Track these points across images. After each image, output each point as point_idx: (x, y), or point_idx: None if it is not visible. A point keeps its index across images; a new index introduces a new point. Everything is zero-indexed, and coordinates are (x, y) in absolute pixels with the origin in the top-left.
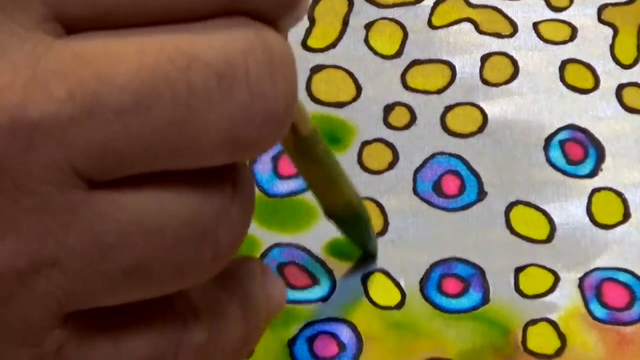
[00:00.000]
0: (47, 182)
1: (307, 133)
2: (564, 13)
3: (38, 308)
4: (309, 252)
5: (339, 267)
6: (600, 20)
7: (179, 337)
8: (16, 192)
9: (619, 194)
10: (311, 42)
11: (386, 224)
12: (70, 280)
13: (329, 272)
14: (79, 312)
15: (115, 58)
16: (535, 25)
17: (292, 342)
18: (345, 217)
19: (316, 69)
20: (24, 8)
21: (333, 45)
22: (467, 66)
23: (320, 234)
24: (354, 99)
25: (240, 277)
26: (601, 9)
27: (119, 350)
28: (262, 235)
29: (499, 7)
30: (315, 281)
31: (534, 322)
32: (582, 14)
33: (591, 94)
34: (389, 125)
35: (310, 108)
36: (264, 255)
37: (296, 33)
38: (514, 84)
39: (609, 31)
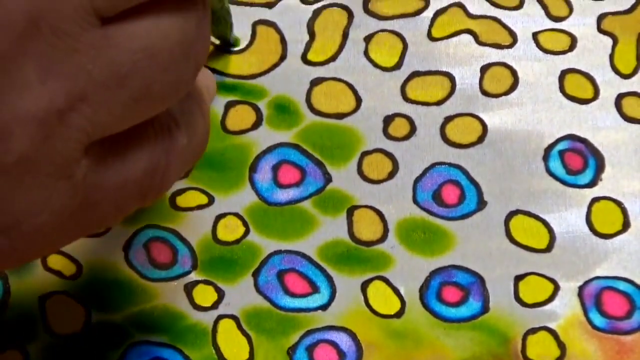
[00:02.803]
0: (76, 22)
1: None
2: (563, 23)
3: (73, 142)
4: (309, 259)
5: (339, 274)
6: (600, 30)
7: (168, 144)
8: (53, 36)
9: (618, 204)
10: (311, 56)
11: (386, 231)
12: (96, 112)
13: (329, 280)
14: (94, 141)
15: None
16: (535, 35)
17: (292, 351)
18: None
19: (316, 82)
20: None
21: (333, 58)
22: (466, 77)
23: (320, 241)
24: (354, 110)
25: None
26: (600, 19)
27: (126, 167)
28: (261, 242)
29: (499, 17)
30: (315, 289)
31: (533, 330)
32: (581, 24)
33: (591, 104)
34: (389, 136)
35: (311, 118)
36: (264, 262)
37: (296, 47)
38: (514, 94)
39: (608, 41)
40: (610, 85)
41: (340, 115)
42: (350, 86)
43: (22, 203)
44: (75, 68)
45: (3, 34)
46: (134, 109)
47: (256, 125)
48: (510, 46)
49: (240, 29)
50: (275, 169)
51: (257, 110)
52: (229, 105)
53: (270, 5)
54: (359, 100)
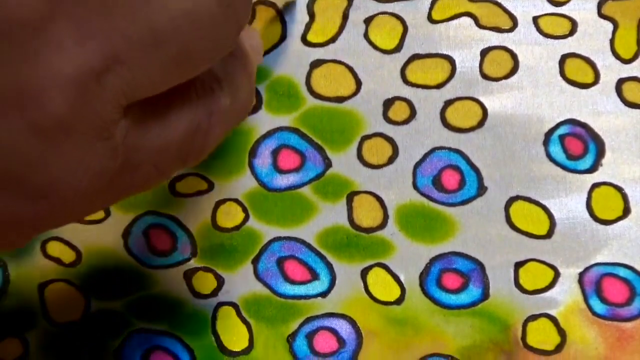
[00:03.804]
0: None
1: None
2: (564, 7)
3: (110, 103)
4: (309, 246)
5: (339, 261)
6: (600, 15)
7: (210, 105)
8: None
9: (619, 189)
10: (311, 37)
11: (386, 218)
12: (132, 72)
13: (329, 267)
14: (133, 103)
15: None
16: (535, 19)
17: (292, 338)
18: None
19: (316, 64)
20: None
21: (333, 40)
22: (467, 60)
23: (319, 228)
24: (354, 94)
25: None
26: (601, 3)
27: (167, 128)
28: (261, 228)
29: (499, 1)
30: (315, 276)
31: (533, 317)
32: (582, 8)
33: (591, 88)
34: (389, 120)
35: (311, 102)
36: (264, 248)
37: (296, 28)
38: (514, 78)
39: (609, 26)
40: (611, 70)
41: (340, 99)
42: (350, 69)
43: (60, 165)
44: (110, 28)
45: None
46: (173, 71)
47: (256, 109)
48: (511, 30)
49: None
50: (275, 153)
51: (256, 93)
52: None
53: None
54: (358, 83)
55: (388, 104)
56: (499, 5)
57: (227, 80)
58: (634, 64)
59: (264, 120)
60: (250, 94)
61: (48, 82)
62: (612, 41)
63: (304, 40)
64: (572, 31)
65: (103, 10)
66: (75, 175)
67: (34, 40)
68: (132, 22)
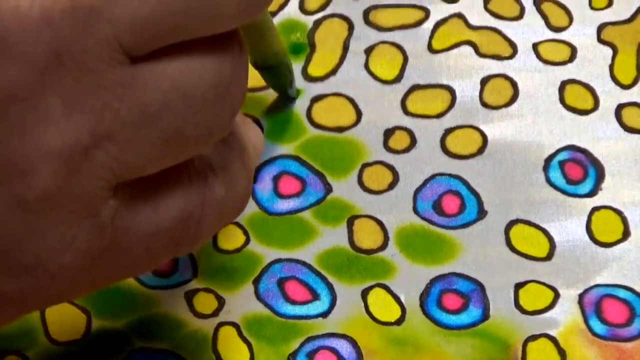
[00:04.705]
0: (101, 59)
1: None
2: (563, 33)
3: (98, 180)
4: (309, 267)
5: (340, 282)
6: (600, 40)
7: (203, 193)
8: (77, 71)
9: (618, 213)
10: (311, 70)
11: (386, 240)
12: (122, 151)
13: (330, 287)
14: (123, 183)
15: None
16: (535, 46)
17: (292, 357)
18: (271, 66)
19: (317, 99)
20: None
21: (333, 72)
22: (467, 90)
23: (320, 250)
24: (355, 124)
25: (234, 130)
26: (600, 29)
27: (158, 212)
28: (262, 251)
29: (499, 28)
30: (315, 296)
31: (534, 337)
32: (581, 34)
33: (591, 114)
34: (389, 149)
35: (311, 132)
36: (265, 269)
37: (297, 59)
38: (514, 106)
39: (608, 51)
40: (610, 96)
41: (341, 129)
42: (351, 100)
43: (46, 241)
44: (101, 105)
45: (27, 67)
46: (164, 150)
47: None
48: (511, 57)
49: None
50: (276, 179)
51: (257, 124)
52: None
53: (270, 15)
54: (359, 114)
55: (388, 133)
56: (499, 32)
57: (223, 170)
58: (634, 89)
59: (265, 149)
60: (248, 187)
61: (35, 156)
62: (611, 67)
63: (305, 73)
64: (572, 57)
65: (94, 86)
66: (60, 252)
67: (22, 113)
68: (124, 100)
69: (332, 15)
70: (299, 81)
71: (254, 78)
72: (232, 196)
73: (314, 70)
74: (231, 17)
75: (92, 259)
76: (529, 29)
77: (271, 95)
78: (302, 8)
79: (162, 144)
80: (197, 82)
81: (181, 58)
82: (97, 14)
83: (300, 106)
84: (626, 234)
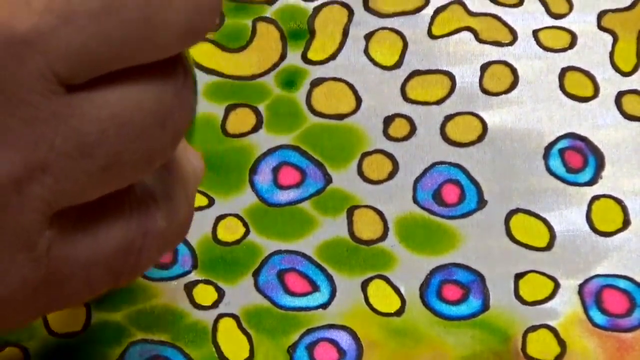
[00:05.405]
0: (35, 91)
1: None
2: (563, 20)
3: (32, 212)
4: (309, 259)
5: (339, 273)
6: (600, 27)
7: (145, 224)
8: (9, 104)
9: (618, 202)
10: (311, 55)
11: (386, 230)
12: (58, 182)
13: (329, 279)
14: (60, 212)
15: None
16: (535, 32)
17: (292, 349)
18: None
19: (316, 82)
20: None
21: (333, 57)
22: (466, 76)
23: (319, 241)
24: (354, 111)
25: (175, 157)
26: (601, 16)
27: (97, 242)
28: (261, 242)
29: (499, 14)
30: (315, 288)
31: (533, 328)
32: (582, 21)
33: (591, 102)
34: (389, 137)
35: (311, 120)
36: (264, 261)
37: (296, 45)
38: (514, 93)
39: (608, 38)
40: (611, 83)
41: (341, 116)
42: (351, 86)
43: None
44: (35, 137)
45: None
46: (102, 179)
47: (256, 128)
48: (511, 44)
49: (241, 26)
50: (276, 170)
51: (257, 113)
52: (229, 109)
53: (270, 2)
54: (359, 100)
55: (388, 121)
56: (499, 19)
57: (164, 199)
58: (634, 76)
59: (264, 139)
60: (189, 216)
61: None
62: (611, 54)
63: (304, 57)
64: (572, 44)
65: (27, 119)
66: None
67: None
68: (59, 131)
69: (332, 2)
70: (298, 64)
71: (254, 65)
72: (173, 226)
73: (314, 55)
74: (170, 44)
75: (28, 292)
76: (529, 16)
77: (271, 84)
78: None
79: (99, 172)
80: (136, 110)
81: (120, 86)
82: (29, 46)
83: (299, 91)
84: (626, 223)
